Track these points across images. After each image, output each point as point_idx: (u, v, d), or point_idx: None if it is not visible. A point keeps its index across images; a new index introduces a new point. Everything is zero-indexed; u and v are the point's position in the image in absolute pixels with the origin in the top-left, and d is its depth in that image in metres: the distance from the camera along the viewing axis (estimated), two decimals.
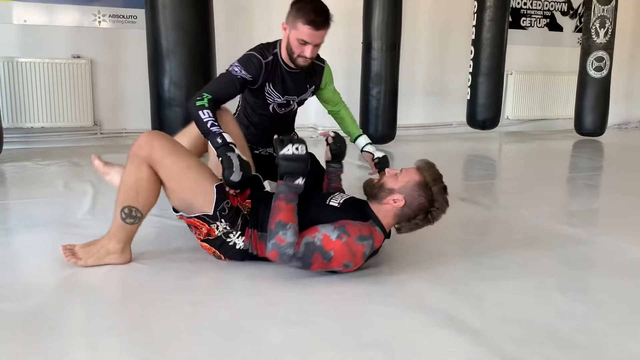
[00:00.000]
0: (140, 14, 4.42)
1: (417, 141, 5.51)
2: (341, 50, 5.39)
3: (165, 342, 1.45)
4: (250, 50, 2.37)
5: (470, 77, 5.55)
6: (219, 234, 1.92)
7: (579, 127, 5.90)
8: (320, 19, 2.20)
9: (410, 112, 5.75)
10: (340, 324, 1.57)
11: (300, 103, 2.55)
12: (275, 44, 2.38)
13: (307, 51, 2.23)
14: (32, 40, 4.50)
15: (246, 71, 2.28)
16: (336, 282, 1.88)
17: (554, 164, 4.68)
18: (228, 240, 1.93)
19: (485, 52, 5.40)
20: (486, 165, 4.67)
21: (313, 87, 2.51)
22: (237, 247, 1.94)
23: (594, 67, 5.68)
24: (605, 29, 5.62)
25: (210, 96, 2.14)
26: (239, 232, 1.93)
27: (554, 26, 6.60)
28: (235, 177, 1.86)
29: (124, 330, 1.52)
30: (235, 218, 1.91)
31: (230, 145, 1.94)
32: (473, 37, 5.49)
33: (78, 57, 4.63)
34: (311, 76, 2.48)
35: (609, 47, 5.67)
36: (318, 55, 2.43)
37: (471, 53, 5.52)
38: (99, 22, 4.68)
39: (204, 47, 4.04)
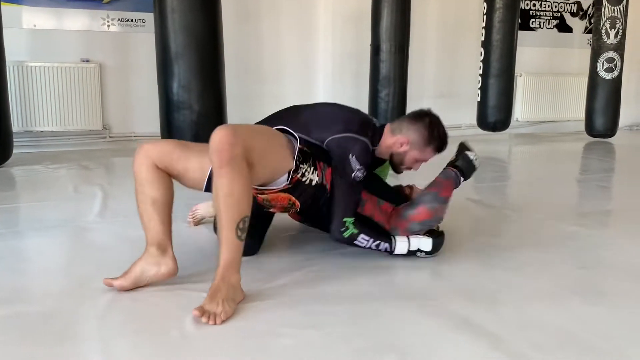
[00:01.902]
0: (149, 17, 4.43)
1: None
2: (350, 52, 5.39)
3: (177, 346, 1.43)
4: (359, 133, 2.06)
5: (480, 79, 5.52)
6: (300, 178, 1.90)
7: (590, 128, 5.85)
8: (445, 147, 2.26)
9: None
10: (354, 328, 1.55)
11: None
12: (375, 135, 2.16)
13: (418, 167, 2.26)
14: (42, 44, 4.52)
15: (364, 166, 2.03)
16: (350, 285, 1.86)
17: (565, 165, 4.64)
18: (304, 179, 1.91)
19: (496, 53, 5.37)
20: (497, 168, 4.63)
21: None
22: (313, 183, 1.93)
23: (604, 68, 5.64)
24: (616, 30, 5.57)
25: (352, 219, 2.02)
26: (312, 167, 1.93)
27: (563, 27, 6.56)
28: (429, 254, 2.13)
29: (136, 334, 1.50)
30: (306, 156, 1.93)
31: (411, 250, 2.09)
32: (483, 38, 5.46)
33: (87, 61, 4.64)
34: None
35: (619, 47, 5.62)
36: None
37: (481, 55, 5.50)
38: (108, 26, 4.70)
39: (213, 50, 4.05)
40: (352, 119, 2.13)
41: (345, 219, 1.99)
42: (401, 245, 2.09)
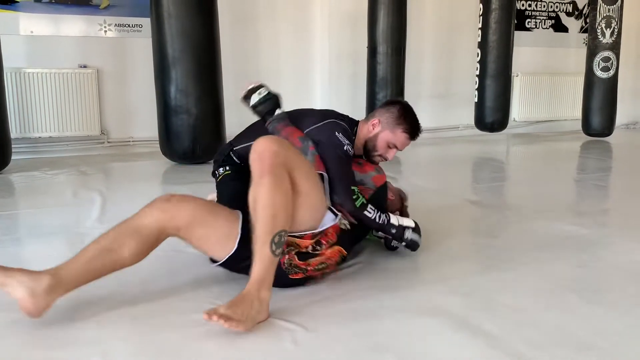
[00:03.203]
0: (146, 22, 4.45)
1: (423, 144, 5.48)
2: (347, 54, 5.40)
3: (176, 350, 1.44)
4: (338, 119, 2.14)
5: (477, 79, 5.53)
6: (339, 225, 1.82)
7: (587, 128, 5.86)
8: (418, 133, 2.27)
9: (417, 115, 5.73)
10: (351, 329, 1.56)
11: None
12: (353, 126, 2.22)
13: (391, 154, 2.24)
14: (39, 50, 4.53)
15: (351, 143, 2.09)
16: (346, 287, 1.87)
17: (563, 165, 4.65)
18: (342, 226, 1.85)
19: (492, 54, 5.39)
20: (495, 168, 4.64)
21: None
22: (343, 227, 1.86)
23: (600, 67, 5.66)
24: (611, 29, 5.59)
25: (356, 188, 2.01)
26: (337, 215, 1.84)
27: (559, 27, 6.58)
28: (419, 241, 2.11)
29: (136, 338, 1.51)
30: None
31: (401, 224, 2.05)
32: (479, 39, 5.48)
33: (84, 66, 4.65)
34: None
35: (615, 47, 5.64)
36: None
37: (477, 55, 5.51)
38: (105, 31, 4.70)
39: (210, 54, 4.06)
40: (328, 112, 2.22)
41: (353, 188, 1.99)
42: (392, 217, 2.06)
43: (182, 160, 4.20)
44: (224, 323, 1.42)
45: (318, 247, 1.76)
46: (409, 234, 2.08)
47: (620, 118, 6.26)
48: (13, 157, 3.98)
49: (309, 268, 1.76)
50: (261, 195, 1.54)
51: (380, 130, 2.20)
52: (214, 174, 2.21)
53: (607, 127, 5.80)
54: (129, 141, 4.88)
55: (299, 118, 2.14)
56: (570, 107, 6.54)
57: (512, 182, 4.02)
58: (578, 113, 6.02)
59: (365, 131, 2.22)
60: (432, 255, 2.19)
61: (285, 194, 1.57)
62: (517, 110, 6.34)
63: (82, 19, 4.62)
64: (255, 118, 2.20)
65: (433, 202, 3.10)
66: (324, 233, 1.77)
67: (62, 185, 3.53)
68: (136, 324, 1.60)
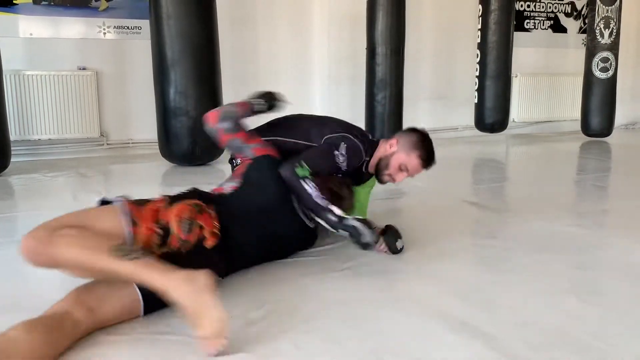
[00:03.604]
0: (145, 24, 4.45)
1: None
2: (345, 56, 5.41)
3: (175, 352, 1.44)
4: (357, 137, 2.24)
5: (477, 80, 5.54)
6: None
7: (586, 128, 5.87)
8: (431, 163, 2.31)
9: (416, 116, 5.73)
10: (350, 331, 1.56)
11: None
12: (372, 147, 2.31)
13: (400, 177, 2.27)
14: (38, 53, 4.53)
15: (348, 164, 2.19)
16: (345, 288, 1.87)
17: (562, 165, 4.65)
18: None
19: (492, 55, 5.40)
20: (494, 169, 4.65)
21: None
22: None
23: (599, 67, 5.66)
24: (610, 30, 5.59)
25: (310, 170, 2.05)
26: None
27: (558, 28, 6.59)
28: (369, 238, 2.05)
29: (134, 340, 1.51)
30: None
31: (343, 217, 2.03)
32: (479, 40, 5.48)
33: (84, 68, 4.65)
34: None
35: (614, 47, 5.64)
36: None
37: (477, 56, 5.52)
38: (104, 33, 4.71)
39: (209, 56, 4.07)
40: (353, 127, 2.33)
41: (303, 162, 2.04)
42: (335, 208, 2.05)
43: (182, 162, 4.20)
44: (218, 345, 1.39)
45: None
46: (352, 222, 2.03)
47: (620, 119, 6.27)
48: (12, 159, 3.99)
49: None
50: (67, 256, 1.47)
51: (396, 150, 2.25)
52: (230, 161, 2.43)
53: (606, 128, 5.80)
54: (129, 143, 4.88)
55: (329, 121, 2.36)
56: (569, 107, 6.54)
57: (511, 183, 4.02)
58: (577, 113, 6.02)
59: (382, 149, 2.29)
60: (431, 256, 2.20)
61: (78, 242, 1.49)
62: (517, 111, 6.34)
63: (81, 21, 4.62)
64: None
65: (432, 203, 3.10)
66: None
67: (61, 188, 3.53)
68: (134, 325, 1.60)
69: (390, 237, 2.17)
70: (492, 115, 5.52)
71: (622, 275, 2.02)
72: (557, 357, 1.41)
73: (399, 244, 2.17)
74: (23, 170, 4.05)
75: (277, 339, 1.51)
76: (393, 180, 2.29)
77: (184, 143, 4.05)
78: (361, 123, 5.04)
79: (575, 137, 5.99)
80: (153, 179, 3.94)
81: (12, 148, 3.98)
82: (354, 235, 2.04)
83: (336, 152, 2.17)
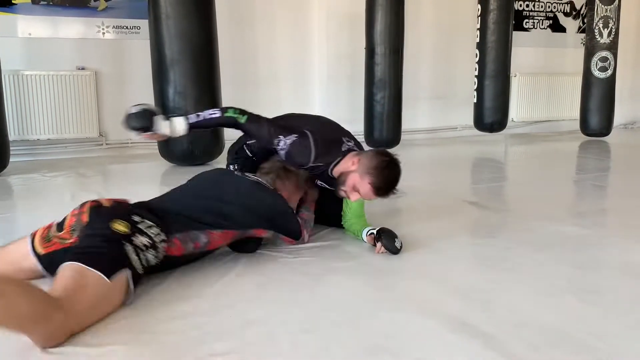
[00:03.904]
0: (144, 24, 4.45)
1: (422, 145, 5.51)
2: (344, 55, 5.41)
3: (175, 352, 1.44)
4: (316, 141, 2.22)
5: (476, 80, 5.54)
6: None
7: (585, 127, 5.87)
8: (385, 194, 2.17)
9: (415, 116, 5.75)
10: (349, 330, 1.56)
11: None
12: (333, 155, 2.23)
13: (354, 198, 2.19)
14: (37, 53, 4.53)
15: (286, 156, 2.21)
16: (345, 288, 1.87)
17: (561, 165, 4.65)
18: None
19: (491, 54, 5.41)
20: (493, 168, 4.65)
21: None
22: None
23: (598, 67, 5.66)
24: (609, 29, 5.60)
25: (246, 117, 2.20)
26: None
27: (557, 27, 6.59)
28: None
29: (132, 341, 1.51)
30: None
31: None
32: (477, 40, 5.49)
33: (82, 68, 4.65)
34: None
35: (612, 47, 5.65)
36: None
37: (476, 56, 5.52)
38: (103, 33, 4.71)
39: (208, 56, 4.06)
40: (327, 131, 2.36)
41: (244, 112, 2.22)
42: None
43: (181, 162, 4.20)
44: None
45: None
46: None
47: (619, 118, 6.28)
48: (11, 159, 3.98)
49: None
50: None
51: (355, 170, 2.16)
52: (236, 150, 2.55)
53: (605, 127, 5.81)
54: (128, 143, 4.87)
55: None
56: (568, 107, 6.55)
57: (510, 183, 4.02)
58: (576, 113, 6.03)
59: (345, 164, 2.20)
60: (430, 256, 2.20)
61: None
62: (516, 111, 6.35)
63: (80, 21, 4.62)
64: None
65: (432, 203, 3.10)
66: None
67: (60, 188, 3.53)
68: (133, 326, 1.60)
69: (387, 238, 2.17)
70: (491, 114, 5.52)
71: (622, 274, 2.02)
72: (556, 357, 1.41)
73: (397, 243, 2.17)
74: (22, 170, 4.04)
75: (277, 339, 1.51)
76: (348, 197, 2.21)
77: (183, 143, 4.05)
78: (360, 123, 5.04)
79: (574, 137, 6.00)
80: (152, 179, 3.94)
81: (11, 148, 3.98)
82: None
83: (280, 137, 2.18)
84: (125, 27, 4.76)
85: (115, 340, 1.50)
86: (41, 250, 1.75)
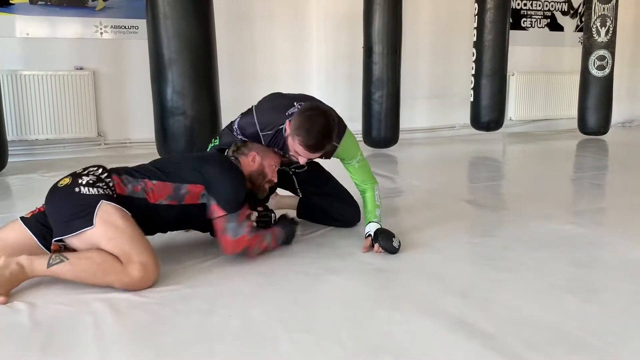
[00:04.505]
0: (142, 24, 4.44)
1: (420, 144, 5.51)
2: (342, 55, 5.41)
3: (174, 352, 1.44)
4: (256, 111, 2.32)
5: (473, 79, 5.55)
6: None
7: (583, 126, 5.88)
8: (319, 149, 2.07)
9: (413, 115, 5.75)
10: (348, 330, 1.57)
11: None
12: (282, 123, 2.19)
13: (301, 160, 2.15)
14: (35, 53, 4.52)
15: (242, 133, 2.31)
16: (344, 288, 1.88)
17: (559, 164, 4.66)
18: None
19: (487, 53, 5.41)
20: (491, 167, 4.66)
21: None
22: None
23: (596, 66, 5.67)
24: (607, 28, 5.60)
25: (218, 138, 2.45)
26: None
27: (554, 26, 6.60)
28: None
29: (133, 340, 1.51)
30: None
31: None
32: (474, 39, 5.49)
33: (81, 68, 4.64)
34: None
35: (610, 45, 5.65)
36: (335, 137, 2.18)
37: (473, 55, 5.53)
38: (101, 33, 4.70)
39: (206, 55, 4.05)
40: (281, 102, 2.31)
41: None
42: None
43: None
44: None
45: None
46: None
47: (616, 116, 6.28)
48: (10, 159, 3.98)
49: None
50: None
51: (288, 134, 2.11)
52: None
53: (603, 126, 5.81)
54: (126, 143, 4.87)
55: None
56: (566, 105, 6.55)
57: (508, 181, 4.03)
58: (574, 112, 6.04)
59: (287, 128, 2.14)
60: (428, 255, 2.20)
61: None
62: (514, 110, 6.35)
63: (78, 21, 4.61)
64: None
65: (429, 202, 3.11)
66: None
67: None
68: (133, 325, 1.60)
69: (384, 239, 2.17)
70: (487, 113, 5.53)
71: (620, 273, 2.03)
72: (555, 355, 1.42)
73: (394, 243, 2.17)
74: (20, 170, 4.04)
75: (276, 338, 1.51)
76: (298, 161, 2.17)
77: (181, 142, 4.04)
78: (358, 122, 5.05)
79: (572, 135, 6.01)
80: None
81: (9, 148, 3.97)
82: None
83: (233, 123, 2.33)
84: (123, 27, 4.75)
85: (115, 340, 1.51)
86: (26, 215, 2.03)
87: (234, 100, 4.99)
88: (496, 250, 2.30)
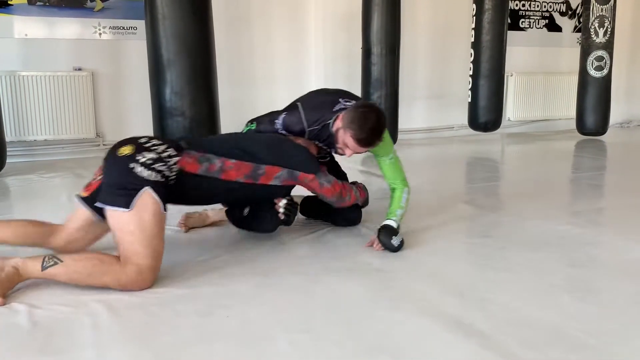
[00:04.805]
0: (140, 25, 4.44)
1: (419, 145, 5.51)
2: (341, 55, 5.41)
3: (172, 352, 1.45)
4: (302, 108, 2.39)
5: (470, 79, 5.55)
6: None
7: (581, 127, 5.89)
8: (370, 143, 2.21)
9: (412, 116, 5.76)
10: (347, 330, 1.57)
11: None
12: (329, 119, 2.32)
13: (348, 153, 2.26)
14: (34, 53, 4.52)
15: (285, 129, 2.37)
16: (342, 288, 1.88)
17: (557, 164, 4.67)
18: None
19: (485, 54, 5.41)
20: (489, 168, 4.66)
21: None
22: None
23: (594, 66, 5.68)
24: (605, 29, 5.62)
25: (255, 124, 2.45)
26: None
27: (553, 27, 6.61)
28: None
29: (131, 341, 1.52)
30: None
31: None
32: (472, 39, 5.50)
33: (79, 69, 4.64)
34: None
35: (608, 46, 5.67)
36: None
37: (471, 56, 5.53)
38: (100, 34, 4.70)
39: (205, 56, 4.06)
40: (319, 100, 2.44)
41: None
42: None
43: None
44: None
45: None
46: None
47: (614, 117, 6.30)
48: (8, 160, 3.98)
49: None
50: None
51: (340, 126, 2.22)
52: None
53: (601, 126, 5.82)
54: None
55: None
56: (564, 106, 6.56)
57: (506, 182, 4.03)
58: (572, 112, 6.05)
59: (337, 122, 2.27)
60: (426, 255, 2.21)
61: None
62: (512, 110, 6.36)
63: (77, 22, 4.61)
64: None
65: (427, 202, 3.11)
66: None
67: (57, 189, 3.52)
68: (131, 326, 1.61)
69: (384, 235, 2.18)
70: (485, 114, 5.53)
71: (617, 273, 2.03)
72: (552, 355, 1.42)
73: (394, 241, 2.17)
74: (19, 171, 4.04)
75: (275, 339, 1.52)
76: (344, 153, 2.28)
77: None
78: None
79: (571, 136, 6.01)
80: None
81: (7, 149, 3.97)
82: None
83: (275, 120, 2.37)
84: (121, 28, 4.75)
85: (114, 340, 1.51)
86: (83, 194, 2.05)
87: (233, 101, 5.02)
88: (494, 250, 2.30)
